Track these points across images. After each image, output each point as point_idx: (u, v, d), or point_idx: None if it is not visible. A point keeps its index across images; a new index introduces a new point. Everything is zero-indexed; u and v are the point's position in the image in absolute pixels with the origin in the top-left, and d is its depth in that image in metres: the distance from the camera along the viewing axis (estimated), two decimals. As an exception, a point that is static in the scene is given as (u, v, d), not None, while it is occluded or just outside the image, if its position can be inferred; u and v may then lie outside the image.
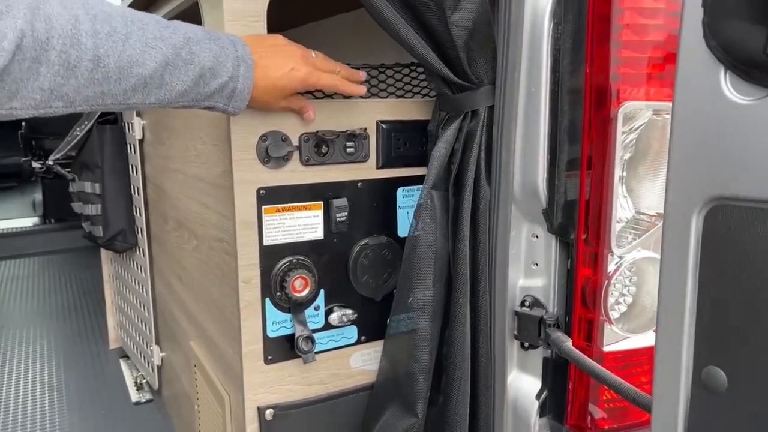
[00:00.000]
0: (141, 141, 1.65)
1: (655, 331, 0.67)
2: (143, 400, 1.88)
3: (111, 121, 1.77)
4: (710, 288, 0.60)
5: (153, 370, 1.80)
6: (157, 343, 1.75)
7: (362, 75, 0.95)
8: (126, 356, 2.17)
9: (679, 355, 0.63)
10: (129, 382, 2.00)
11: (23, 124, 3.79)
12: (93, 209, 1.78)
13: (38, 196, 3.96)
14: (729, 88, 0.57)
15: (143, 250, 1.75)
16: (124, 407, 1.86)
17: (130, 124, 1.68)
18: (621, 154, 0.87)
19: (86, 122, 1.77)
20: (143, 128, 1.63)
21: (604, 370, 0.81)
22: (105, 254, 2.22)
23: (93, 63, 0.66)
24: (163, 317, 1.66)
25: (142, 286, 1.79)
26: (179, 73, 0.73)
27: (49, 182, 3.80)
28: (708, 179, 0.59)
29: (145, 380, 1.93)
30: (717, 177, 0.58)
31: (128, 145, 1.74)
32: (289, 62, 0.84)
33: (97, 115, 1.72)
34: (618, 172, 0.87)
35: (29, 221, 3.96)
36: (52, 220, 3.91)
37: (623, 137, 0.87)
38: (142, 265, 1.77)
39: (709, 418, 0.61)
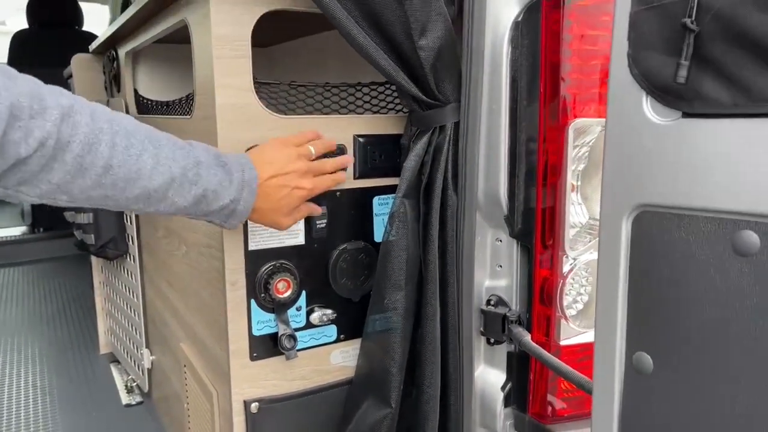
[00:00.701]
0: (132, 152, 1.72)
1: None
2: (133, 403, 1.94)
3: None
4: (638, 283, 0.69)
5: (143, 373, 1.86)
6: (147, 346, 1.81)
7: (350, 159, 1.04)
8: (116, 361, 2.23)
9: (613, 343, 0.72)
10: (119, 385, 2.06)
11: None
12: (85, 218, 1.84)
13: (27, 205, 4.00)
14: (649, 110, 0.66)
15: (134, 257, 1.82)
16: (114, 409, 1.92)
17: (121, 136, 1.75)
18: (574, 166, 0.96)
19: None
20: (134, 140, 1.70)
21: (554, 358, 0.90)
22: (95, 262, 2.28)
23: (104, 170, 0.72)
24: (153, 321, 1.73)
25: (133, 291, 1.86)
26: (183, 191, 0.79)
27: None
28: (634, 189, 0.68)
29: (135, 383, 1.99)
30: (641, 187, 0.67)
31: (119, 156, 1.81)
32: (290, 182, 0.91)
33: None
34: (572, 181, 0.96)
35: (18, 230, 4.00)
36: (41, 229, 3.95)
37: (576, 150, 0.96)
38: (133, 271, 1.83)
39: (639, 397, 0.70)
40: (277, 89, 1.05)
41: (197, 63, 1.04)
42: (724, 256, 0.60)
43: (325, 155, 1.00)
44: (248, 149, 0.97)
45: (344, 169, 1.03)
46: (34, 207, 3.95)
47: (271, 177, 0.89)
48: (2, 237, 3.82)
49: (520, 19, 0.95)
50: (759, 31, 0.55)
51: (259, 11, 0.98)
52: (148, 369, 1.83)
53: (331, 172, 0.99)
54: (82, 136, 0.69)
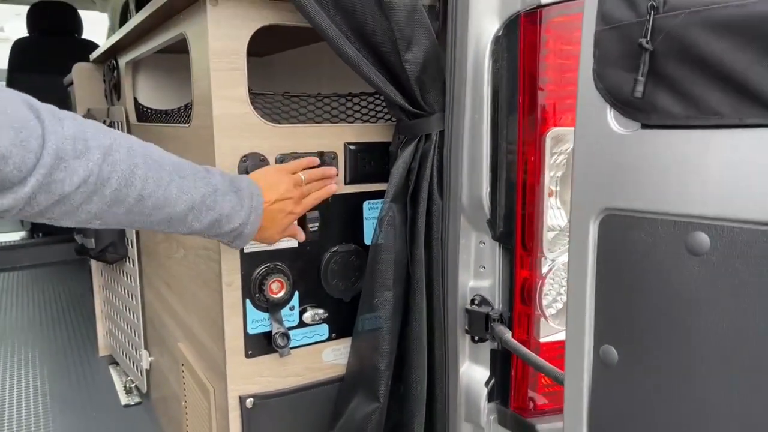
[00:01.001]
0: (131, 159, 1.77)
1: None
2: (132, 403, 1.99)
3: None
4: (604, 281, 0.74)
5: (142, 374, 1.91)
6: (146, 348, 1.86)
7: (334, 170, 1.11)
8: (115, 363, 2.28)
9: (582, 337, 0.77)
10: (118, 386, 2.10)
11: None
12: (85, 223, 1.89)
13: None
14: (613, 121, 0.71)
15: (133, 260, 1.87)
16: (114, 410, 1.97)
17: (121, 143, 1.80)
18: (552, 173, 1.01)
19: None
20: (134, 147, 1.75)
21: (531, 353, 0.95)
22: (95, 265, 2.33)
23: (136, 200, 0.78)
24: (152, 323, 1.77)
25: (132, 294, 1.91)
26: (200, 216, 0.87)
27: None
28: (600, 194, 0.73)
29: (134, 384, 2.04)
30: (606, 193, 0.73)
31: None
32: (287, 207, 0.99)
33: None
34: (550, 187, 1.02)
35: (17, 235, 4.04)
36: (40, 234, 3.99)
37: (553, 158, 1.01)
38: (132, 274, 1.88)
39: (606, 387, 0.75)
40: (272, 100, 1.11)
41: (195, 75, 1.10)
42: (678, 256, 0.66)
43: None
44: (247, 169, 1.04)
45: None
46: (33, 212, 4.00)
47: (274, 202, 0.97)
48: (2, 242, 3.86)
49: (500, 34, 1.00)
50: (706, 50, 0.60)
51: (254, 26, 1.03)
52: (146, 370, 1.87)
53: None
54: (120, 173, 0.75)
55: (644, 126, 0.68)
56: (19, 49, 3.88)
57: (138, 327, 1.87)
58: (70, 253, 3.76)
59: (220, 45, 1.01)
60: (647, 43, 0.64)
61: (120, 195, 0.76)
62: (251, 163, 1.05)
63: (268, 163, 1.07)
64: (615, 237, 0.73)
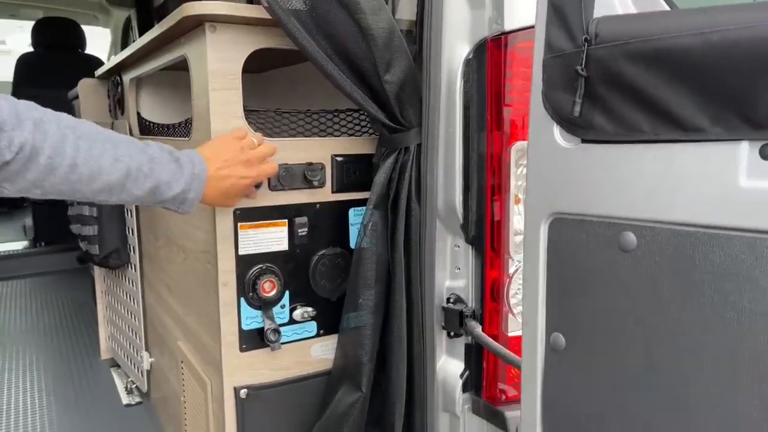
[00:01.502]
0: (134, 170, 1.88)
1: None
2: (133, 403, 2.08)
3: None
4: (553, 275, 0.85)
5: (142, 374, 2.00)
6: (147, 349, 1.96)
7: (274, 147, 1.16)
8: (116, 365, 2.37)
9: (536, 326, 0.87)
10: (120, 387, 2.19)
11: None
12: (90, 230, 1.99)
13: (29, 220, 4.15)
14: (559, 137, 0.82)
15: (135, 266, 1.97)
16: (115, 409, 2.06)
17: (124, 155, 1.91)
18: (517, 182, 1.12)
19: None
20: (137, 159, 1.86)
21: (496, 344, 1.05)
22: (98, 272, 2.43)
23: (70, 168, 0.87)
24: (153, 325, 1.87)
25: (134, 298, 2.01)
26: (139, 183, 0.95)
27: (40, 207, 4.00)
28: (549, 200, 0.84)
29: (134, 385, 2.13)
30: (554, 199, 0.83)
31: (123, 173, 1.97)
32: (236, 172, 1.06)
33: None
34: (515, 194, 1.12)
35: (20, 245, 4.14)
36: (42, 244, 4.09)
37: (519, 169, 1.12)
38: (134, 279, 1.98)
39: (556, 369, 0.85)
40: (265, 116, 1.22)
41: (195, 93, 1.21)
42: (612, 252, 0.76)
43: None
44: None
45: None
46: (35, 223, 4.10)
47: (218, 169, 1.05)
48: (5, 251, 3.95)
49: (470, 56, 1.12)
50: (627, 76, 0.71)
51: (248, 49, 1.14)
52: (147, 370, 1.97)
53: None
54: (50, 142, 0.85)
55: (584, 141, 0.79)
56: (24, 63, 4.00)
57: (139, 329, 1.96)
58: (72, 262, 3.87)
59: (218, 67, 1.12)
60: (582, 70, 0.75)
61: (53, 163, 0.85)
62: (246, 173, 1.15)
63: (261, 174, 1.17)
64: (561, 237, 0.83)
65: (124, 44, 4.75)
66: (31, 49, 4.18)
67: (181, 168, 1.01)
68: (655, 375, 0.73)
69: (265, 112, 1.22)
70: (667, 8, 0.81)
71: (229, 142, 1.08)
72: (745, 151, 0.64)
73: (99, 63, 4.28)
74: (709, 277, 0.66)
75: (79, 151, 0.88)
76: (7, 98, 0.84)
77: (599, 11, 0.79)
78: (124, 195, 0.95)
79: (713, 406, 0.67)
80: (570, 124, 0.80)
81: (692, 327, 0.68)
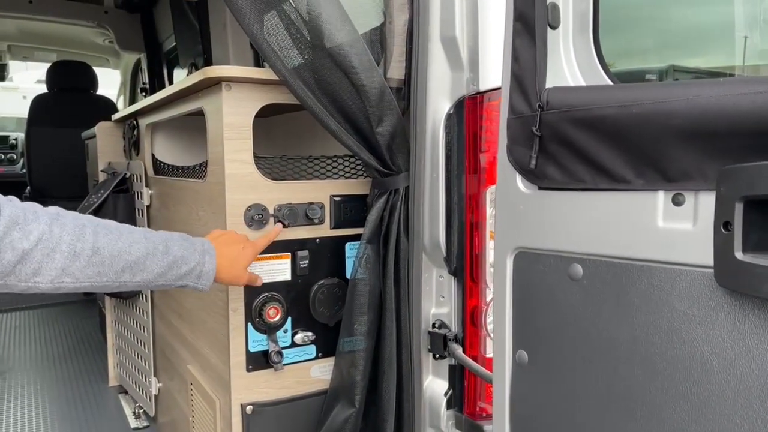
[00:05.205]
0: (148, 207, 2.04)
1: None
2: (141, 427, 2.19)
3: (124, 190, 2.16)
4: (517, 301, 0.99)
5: (150, 399, 2.12)
6: (155, 375, 2.08)
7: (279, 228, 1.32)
8: (124, 392, 2.49)
9: (504, 344, 1.02)
10: (128, 412, 2.31)
11: (28, 187, 4.16)
12: (105, 262, 2.13)
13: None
14: (520, 184, 0.98)
15: (146, 296, 2.11)
16: (123, 433, 2.17)
17: (139, 194, 2.08)
18: (491, 221, 1.28)
19: (102, 191, 2.16)
20: (150, 197, 2.02)
21: (473, 362, 1.20)
22: (108, 302, 2.57)
23: (93, 251, 0.96)
24: (162, 352, 2.00)
25: (144, 327, 2.14)
26: (157, 260, 1.04)
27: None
28: (514, 236, 0.99)
29: (142, 410, 2.25)
30: (518, 235, 0.99)
31: (137, 210, 2.13)
32: (239, 245, 1.19)
33: (113, 186, 2.11)
34: (490, 231, 1.28)
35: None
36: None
37: (493, 209, 1.28)
38: (145, 309, 2.12)
39: (521, 382, 0.99)
40: (272, 161, 1.38)
41: (211, 140, 1.37)
42: (563, 281, 0.91)
43: None
44: (252, 218, 1.31)
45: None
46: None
47: (223, 243, 1.17)
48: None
49: (451, 111, 1.28)
50: (572, 137, 0.87)
51: (258, 104, 1.31)
52: (155, 395, 2.09)
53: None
54: (70, 230, 0.94)
55: (540, 188, 0.95)
56: (39, 103, 4.20)
57: (148, 356, 2.09)
58: (77, 294, 4.00)
59: (232, 120, 1.29)
60: (537, 130, 0.91)
61: (76, 248, 0.94)
62: (254, 212, 1.31)
63: (268, 212, 1.33)
64: (523, 268, 0.98)
65: (133, 84, 4.98)
66: (35, 86, 4.38)
67: (193, 245, 1.11)
68: (599, 383, 0.87)
69: (272, 158, 1.38)
70: (609, 81, 0.98)
71: (226, 231, 1.24)
72: (661, 198, 0.79)
73: (110, 104, 4.49)
74: (637, 301, 0.81)
75: (98, 236, 0.97)
76: (28, 202, 0.94)
77: (554, 80, 0.96)
78: (145, 274, 1.03)
79: (646, 407, 0.81)
80: (529, 174, 0.96)
81: (625, 342, 0.83)
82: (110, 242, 0.99)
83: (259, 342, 1.35)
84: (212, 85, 1.33)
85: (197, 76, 1.29)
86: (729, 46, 1.55)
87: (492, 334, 1.30)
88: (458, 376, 1.35)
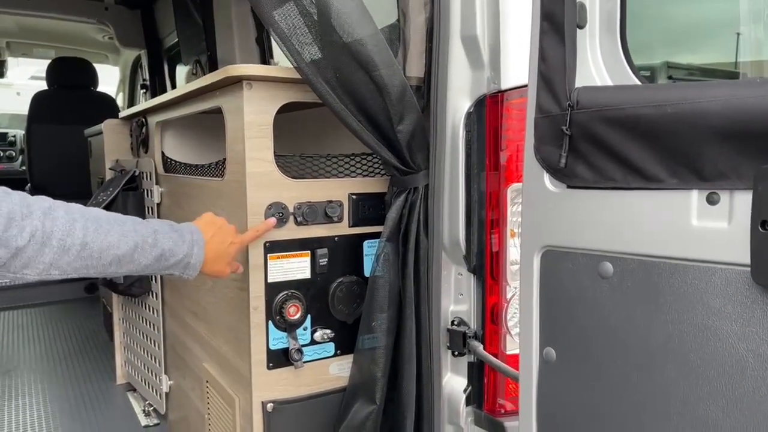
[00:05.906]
0: (158, 204, 2.04)
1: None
2: (151, 424, 2.19)
3: (133, 188, 2.15)
4: (545, 299, 1.00)
5: (161, 397, 2.12)
6: (166, 372, 2.08)
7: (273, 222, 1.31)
8: (132, 389, 2.49)
9: (531, 342, 1.02)
10: (137, 410, 2.31)
11: (28, 185, 4.14)
12: (115, 260, 2.13)
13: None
14: (548, 183, 0.98)
15: (156, 294, 2.11)
16: (134, 431, 2.17)
17: (149, 191, 2.07)
18: (513, 218, 1.29)
19: (111, 189, 2.15)
20: (161, 194, 2.02)
21: (496, 360, 1.20)
22: (116, 300, 2.56)
23: (81, 247, 0.98)
24: (173, 350, 2.00)
25: (154, 325, 2.14)
26: (145, 253, 1.06)
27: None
28: (541, 235, 1.00)
29: (152, 408, 2.25)
30: (545, 234, 0.99)
31: (146, 208, 2.12)
32: (227, 239, 1.22)
33: (123, 183, 2.11)
34: (511, 229, 1.29)
35: (29, 274, 4.25)
36: (52, 273, 4.20)
37: (514, 207, 1.29)
38: (155, 306, 2.12)
39: (548, 379, 1.00)
40: (291, 160, 1.38)
41: (230, 139, 1.37)
42: (593, 279, 0.92)
43: None
44: (273, 215, 1.31)
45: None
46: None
47: (212, 236, 1.20)
48: (13, 282, 4.06)
49: (471, 110, 1.29)
50: (604, 137, 0.88)
51: (279, 103, 1.32)
52: (165, 393, 2.09)
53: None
54: (61, 226, 0.96)
55: (569, 187, 0.96)
56: (39, 101, 4.17)
57: (159, 354, 2.09)
58: (81, 291, 4.00)
59: (253, 118, 1.29)
60: (567, 129, 0.92)
61: (65, 244, 0.96)
62: (275, 210, 1.31)
63: (288, 210, 1.33)
64: (551, 266, 0.99)
65: (132, 81, 4.96)
66: (29, 82, 4.34)
67: (182, 236, 1.14)
68: (630, 380, 0.88)
69: (291, 156, 1.39)
70: (636, 81, 0.99)
71: (217, 217, 1.25)
72: (695, 197, 0.80)
73: (111, 101, 4.47)
74: (670, 298, 0.82)
75: (87, 231, 0.99)
76: (19, 193, 0.95)
77: (581, 80, 0.96)
78: (132, 265, 1.06)
79: (679, 404, 0.82)
80: (557, 173, 0.96)
81: (657, 340, 0.84)
82: (100, 237, 1.00)
83: (279, 340, 1.35)
84: (232, 83, 1.33)
85: (218, 75, 1.29)
86: (722, 43, 1.57)
87: (512, 332, 1.31)
88: (477, 373, 1.36)
